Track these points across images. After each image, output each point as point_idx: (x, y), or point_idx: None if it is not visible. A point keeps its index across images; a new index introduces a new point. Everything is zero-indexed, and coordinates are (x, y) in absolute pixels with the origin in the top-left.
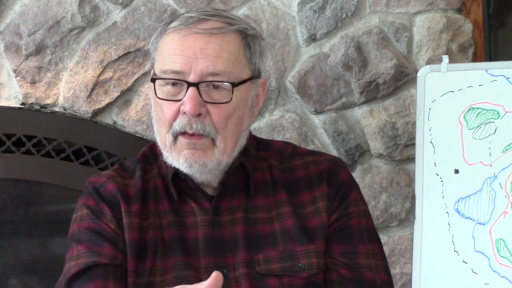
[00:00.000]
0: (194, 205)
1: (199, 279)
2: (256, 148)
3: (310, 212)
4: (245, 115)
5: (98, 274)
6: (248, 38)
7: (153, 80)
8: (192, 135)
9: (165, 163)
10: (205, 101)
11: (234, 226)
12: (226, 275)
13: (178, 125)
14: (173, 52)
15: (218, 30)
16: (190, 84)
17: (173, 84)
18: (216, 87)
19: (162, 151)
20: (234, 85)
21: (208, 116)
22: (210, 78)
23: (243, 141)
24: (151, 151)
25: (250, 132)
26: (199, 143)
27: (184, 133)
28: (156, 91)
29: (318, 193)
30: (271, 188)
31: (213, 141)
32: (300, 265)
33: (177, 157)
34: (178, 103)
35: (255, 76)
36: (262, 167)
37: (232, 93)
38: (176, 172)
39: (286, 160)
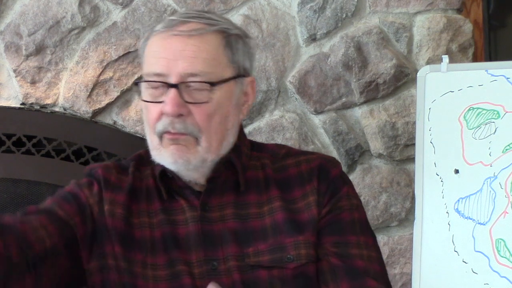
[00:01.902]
0: (183, 203)
1: (191, 274)
2: (250, 149)
3: (301, 207)
4: (229, 113)
5: (45, 213)
6: (230, 37)
7: (137, 83)
8: (175, 133)
9: (156, 165)
10: (187, 102)
11: (224, 222)
12: (216, 268)
13: (161, 125)
14: (154, 54)
15: (197, 31)
16: (170, 86)
17: (156, 87)
18: (196, 87)
19: (151, 152)
20: (213, 84)
21: (190, 116)
22: (189, 79)
23: (231, 139)
24: (147, 154)
25: (244, 134)
26: (182, 139)
27: (167, 133)
28: (143, 94)
29: (308, 188)
30: (263, 185)
31: (196, 140)
32: (289, 256)
33: (163, 154)
34: (160, 105)
35: (240, 75)
36: (255, 166)
37: (211, 92)
38: (164, 171)
39: (279, 160)
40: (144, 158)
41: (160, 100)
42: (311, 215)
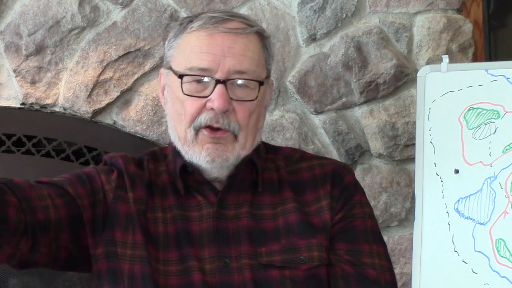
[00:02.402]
0: (201, 199)
1: (202, 269)
2: (265, 151)
3: (314, 210)
4: (261, 113)
5: (55, 186)
6: (265, 40)
7: (181, 77)
8: (217, 129)
9: (172, 161)
10: (232, 98)
11: (238, 220)
12: (228, 265)
13: (203, 118)
14: (199, 50)
15: (243, 30)
16: (218, 81)
17: (198, 81)
18: (240, 85)
19: (180, 147)
20: (262, 83)
21: (233, 113)
22: (236, 76)
23: (259, 138)
24: (161, 151)
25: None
26: (223, 138)
27: (207, 127)
28: (182, 87)
29: (321, 192)
30: (277, 187)
31: (235, 136)
32: (301, 257)
33: (198, 151)
34: (203, 100)
35: (268, 76)
36: (270, 168)
37: (256, 91)
38: (184, 165)
39: (293, 163)
40: (158, 154)
41: (203, 95)
42: (324, 220)
